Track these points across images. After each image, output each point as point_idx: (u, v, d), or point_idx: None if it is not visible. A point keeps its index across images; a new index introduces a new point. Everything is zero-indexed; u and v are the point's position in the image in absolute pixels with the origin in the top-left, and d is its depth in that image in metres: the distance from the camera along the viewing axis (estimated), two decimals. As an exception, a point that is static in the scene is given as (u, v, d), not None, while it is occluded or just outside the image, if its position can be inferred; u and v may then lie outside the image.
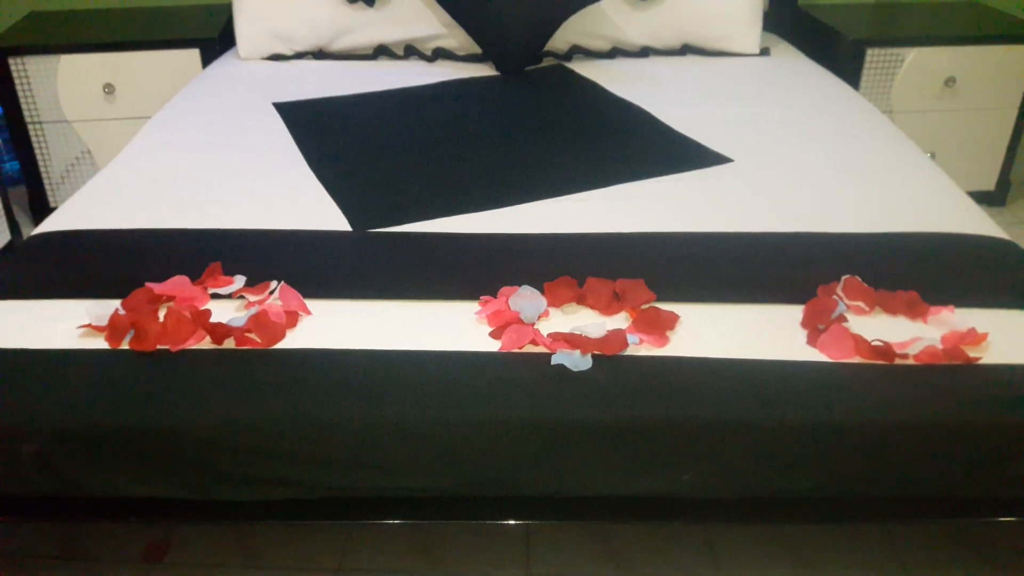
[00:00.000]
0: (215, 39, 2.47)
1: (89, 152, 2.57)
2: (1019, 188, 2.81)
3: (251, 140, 1.83)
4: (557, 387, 1.09)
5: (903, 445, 1.07)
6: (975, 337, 1.17)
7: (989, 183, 2.70)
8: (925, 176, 1.67)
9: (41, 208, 2.63)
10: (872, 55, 2.49)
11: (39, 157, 2.56)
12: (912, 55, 2.50)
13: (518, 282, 1.29)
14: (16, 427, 1.07)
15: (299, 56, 2.37)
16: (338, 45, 2.35)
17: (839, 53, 2.51)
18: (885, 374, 1.12)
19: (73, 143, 2.55)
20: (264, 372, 1.12)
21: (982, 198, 2.72)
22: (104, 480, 1.10)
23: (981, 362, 1.14)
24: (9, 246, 2.44)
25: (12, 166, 2.80)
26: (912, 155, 1.77)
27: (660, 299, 1.26)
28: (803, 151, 1.76)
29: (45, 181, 2.60)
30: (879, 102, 2.55)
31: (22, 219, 2.65)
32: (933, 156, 2.62)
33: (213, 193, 1.60)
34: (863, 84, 2.53)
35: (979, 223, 1.49)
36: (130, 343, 1.17)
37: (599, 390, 1.09)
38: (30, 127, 2.52)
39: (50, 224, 1.51)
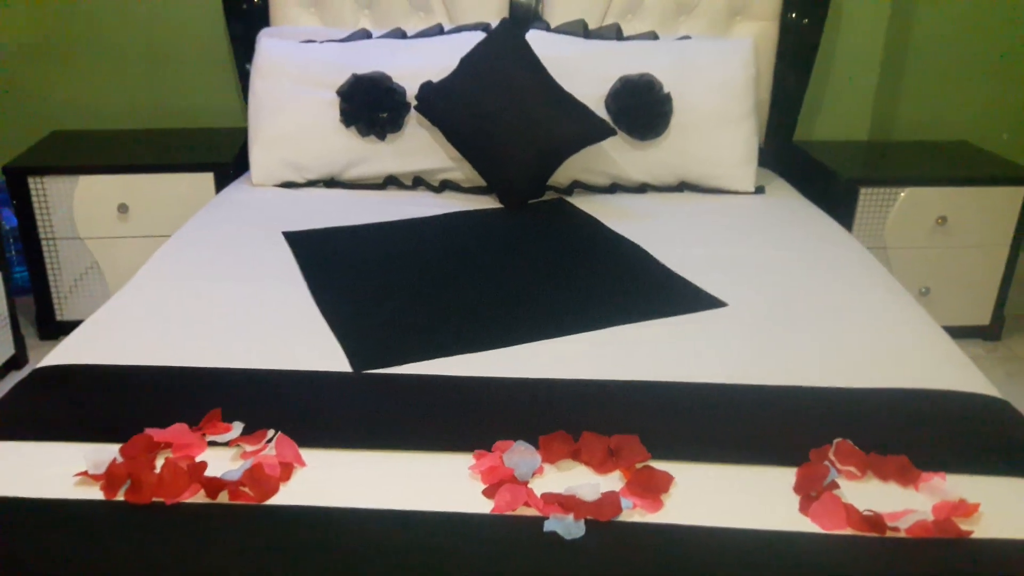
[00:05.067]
0: (229, 163, 2.56)
1: (97, 265, 2.63)
2: (1013, 322, 2.84)
3: (259, 272, 1.88)
4: (549, 556, 1.09)
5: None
6: (967, 508, 1.17)
7: (984, 318, 2.74)
8: (918, 326, 1.70)
9: (48, 320, 2.67)
10: (866, 194, 2.57)
11: (49, 270, 2.62)
12: (905, 194, 2.57)
13: (513, 430, 1.31)
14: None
15: (311, 184, 2.44)
16: (349, 175, 2.44)
17: (833, 191, 2.59)
18: (876, 547, 1.12)
19: (83, 257, 2.61)
20: (254, 531, 1.12)
21: (977, 332, 2.76)
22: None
23: (973, 535, 1.14)
24: (12, 360, 2.47)
25: (21, 276, 2.85)
26: (903, 303, 1.80)
27: (654, 456, 1.27)
28: (795, 297, 1.80)
29: (53, 293, 2.65)
30: (873, 238, 2.61)
31: (28, 331, 2.69)
32: (927, 291, 2.67)
33: (218, 329, 1.63)
34: (857, 220, 2.60)
35: (970, 379, 1.51)
36: (125, 494, 1.17)
37: (591, 562, 1.08)
38: (43, 242, 2.58)
39: (54, 357, 1.53)
